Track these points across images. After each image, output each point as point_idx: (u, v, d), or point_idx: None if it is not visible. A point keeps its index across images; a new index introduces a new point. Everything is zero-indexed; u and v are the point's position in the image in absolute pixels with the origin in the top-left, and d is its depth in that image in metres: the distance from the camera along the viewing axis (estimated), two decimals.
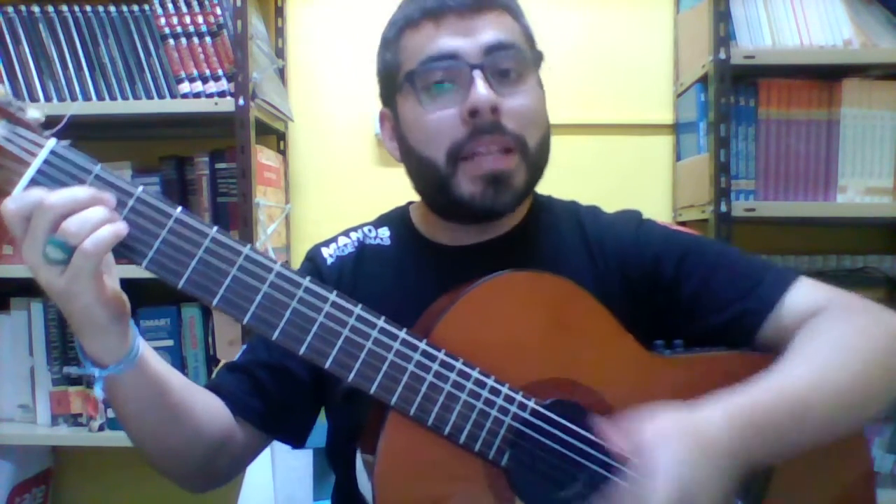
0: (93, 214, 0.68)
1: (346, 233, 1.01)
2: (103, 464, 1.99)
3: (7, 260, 1.77)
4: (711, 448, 0.69)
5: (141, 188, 0.72)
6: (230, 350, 1.74)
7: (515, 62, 0.88)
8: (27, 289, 1.82)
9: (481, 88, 0.84)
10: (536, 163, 0.90)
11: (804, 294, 0.88)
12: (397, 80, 0.90)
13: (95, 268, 0.68)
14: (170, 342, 1.77)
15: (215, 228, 0.72)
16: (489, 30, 0.87)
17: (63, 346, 1.79)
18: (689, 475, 0.66)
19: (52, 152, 0.70)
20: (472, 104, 0.84)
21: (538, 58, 0.92)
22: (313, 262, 0.98)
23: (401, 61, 0.90)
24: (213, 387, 0.91)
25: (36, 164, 0.69)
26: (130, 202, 0.71)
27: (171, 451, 0.84)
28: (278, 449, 1.54)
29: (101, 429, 1.75)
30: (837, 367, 0.79)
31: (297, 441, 0.95)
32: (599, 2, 1.97)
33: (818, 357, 0.81)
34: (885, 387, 0.82)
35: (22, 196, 0.68)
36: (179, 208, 0.72)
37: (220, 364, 0.97)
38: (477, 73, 0.85)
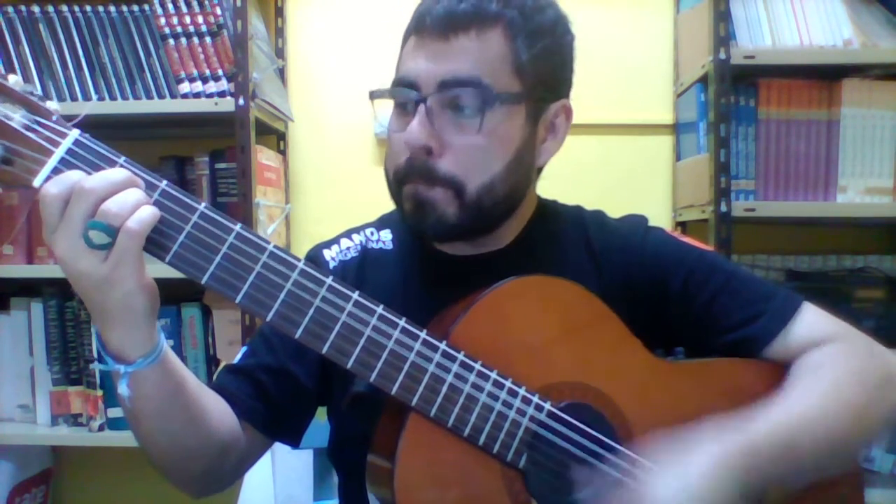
0: (131, 195, 0.66)
1: (348, 234, 0.99)
2: (103, 464, 1.99)
3: (7, 260, 1.77)
4: (699, 484, 0.73)
5: (165, 182, 0.70)
6: (230, 350, 1.74)
7: (473, 99, 0.82)
8: (27, 289, 1.82)
9: (414, 126, 0.82)
10: (479, 205, 0.84)
11: (808, 323, 0.90)
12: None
13: (140, 249, 0.67)
14: (170, 342, 1.73)
15: (239, 225, 0.71)
16: (453, 60, 0.82)
17: (63, 346, 1.79)
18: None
19: (76, 142, 0.68)
20: (405, 141, 0.83)
21: (517, 93, 0.84)
22: (314, 264, 0.95)
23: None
24: (216, 388, 0.90)
25: (59, 153, 0.68)
26: (155, 195, 0.69)
27: (184, 454, 0.82)
28: (278, 449, 1.54)
29: (101, 429, 1.75)
30: (831, 414, 0.82)
31: (295, 442, 0.95)
32: (599, 2, 1.97)
33: (813, 398, 0.83)
34: (874, 430, 0.86)
35: (61, 178, 0.66)
36: (203, 203, 0.71)
37: (221, 365, 0.96)
38: (420, 109, 0.82)
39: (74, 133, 0.69)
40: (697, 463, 0.74)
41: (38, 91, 0.70)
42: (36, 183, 0.67)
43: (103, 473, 2.01)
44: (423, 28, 0.83)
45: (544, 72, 0.86)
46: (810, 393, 0.83)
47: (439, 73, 0.81)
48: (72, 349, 1.79)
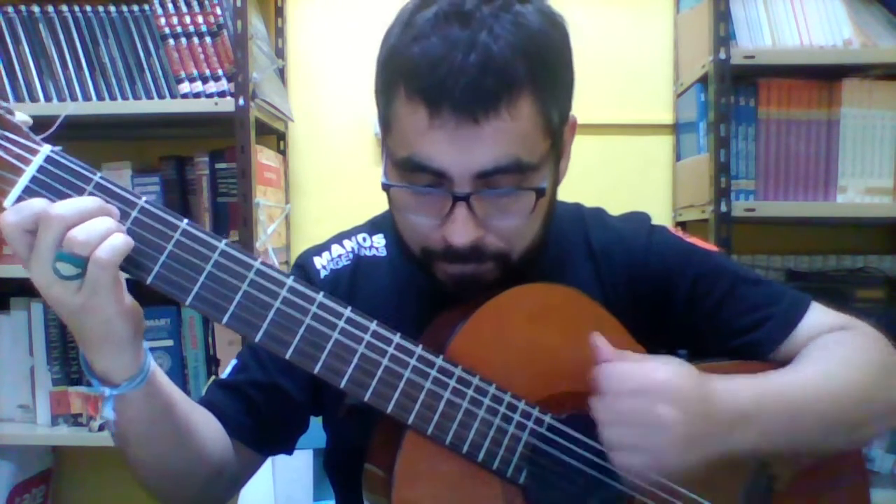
0: (101, 224, 0.63)
1: (339, 240, 0.95)
2: (103, 464, 1.99)
3: (7, 260, 1.76)
4: (702, 410, 0.71)
5: (144, 198, 0.67)
6: (230, 350, 1.75)
7: (514, 179, 0.75)
8: (27, 289, 1.81)
9: (460, 226, 0.75)
10: (521, 263, 0.82)
11: (816, 320, 0.88)
12: (386, 142, 0.81)
13: (114, 278, 0.64)
14: (170, 342, 1.77)
15: (224, 241, 0.68)
16: (487, 146, 0.72)
17: (63, 346, 1.79)
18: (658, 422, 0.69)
19: (48, 158, 0.65)
20: (449, 240, 0.76)
21: (548, 150, 0.78)
22: (303, 272, 0.92)
23: (391, 125, 0.78)
24: (206, 405, 0.87)
25: (30, 171, 0.64)
26: (134, 213, 0.66)
27: (175, 477, 0.80)
28: None
29: (101, 429, 1.75)
30: (839, 382, 0.80)
31: (288, 452, 0.94)
32: (599, 2, 1.97)
33: (821, 366, 0.82)
34: (882, 413, 0.84)
35: (22, 206, 0.62)
36: (185, 220, 0.68)
37: (210, 380, 0.94)
38: (460, 207, 0.74)
39: (46, 149, 0.65)
40: (706, 380, 0.73)
41: (3, 103, 0.66)
42: (7, 204, 0.64)
43: (103, 473, 2.00)
44: (442, 102, 0.71)
45: (563, 108, 0.80)
46: (818, 364, 0.82)
47: (475, 165, 0.73)
48: (72, 349, 1.79)
